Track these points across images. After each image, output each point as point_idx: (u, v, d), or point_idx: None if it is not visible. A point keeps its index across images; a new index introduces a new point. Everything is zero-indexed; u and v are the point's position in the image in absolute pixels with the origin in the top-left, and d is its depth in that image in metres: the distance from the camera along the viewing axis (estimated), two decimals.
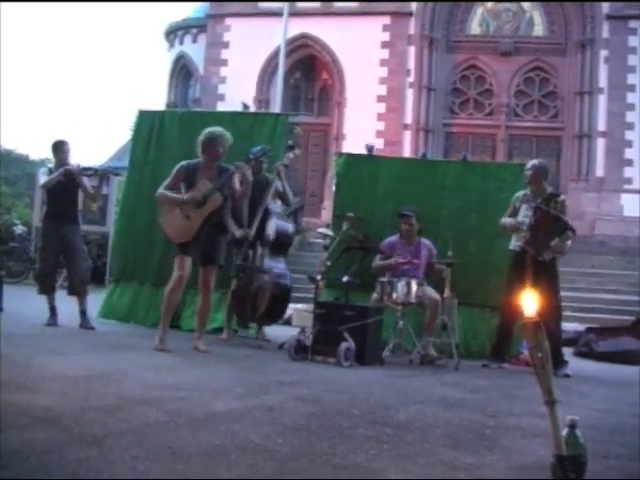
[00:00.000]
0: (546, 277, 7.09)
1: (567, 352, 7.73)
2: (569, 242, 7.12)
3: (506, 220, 7.51)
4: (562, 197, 7.52)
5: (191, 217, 6.77)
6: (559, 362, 6.98)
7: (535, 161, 7.74)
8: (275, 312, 7.79)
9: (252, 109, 10.30)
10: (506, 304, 7.13)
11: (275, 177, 7.94)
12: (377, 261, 7.92)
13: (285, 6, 19.70)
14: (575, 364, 7.75)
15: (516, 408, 5.00)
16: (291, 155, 8.19)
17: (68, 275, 8.55)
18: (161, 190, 6.89)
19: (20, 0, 52.04)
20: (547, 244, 7.06)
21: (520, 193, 7.59)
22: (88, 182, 8.32)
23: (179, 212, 6.78)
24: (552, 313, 6.73)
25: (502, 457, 3.47)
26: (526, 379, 6.23)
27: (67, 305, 8.13)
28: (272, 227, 7.72)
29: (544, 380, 2.65)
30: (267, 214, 7.75)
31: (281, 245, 7.92)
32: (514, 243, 7.44)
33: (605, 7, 21.39)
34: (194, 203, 6.72)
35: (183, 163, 6.95)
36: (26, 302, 9.54)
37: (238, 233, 7.77)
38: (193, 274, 6.97)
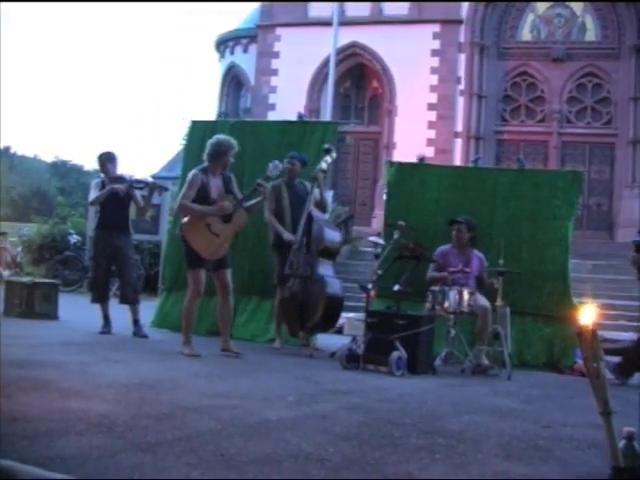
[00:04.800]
0: None
1: None
2: None
3: None
4: None
5: (220, 235, 6.90)
6: None
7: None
8: (328, 321, 7.74)
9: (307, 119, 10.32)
10: None
11: (313, 184, 7.83)
12: (431, 271, 7.87)
13: (335, 15, 19.73)
14: None
15: (570, 418, 4.94)
16: (328, 159, 7.92)
17: (120, 284, 8.68)
18: (184, 202, 6.95)
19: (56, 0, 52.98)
20: None
21: None
22: (139, 194, 8.47)
23: (205, 227, 6.86)
24: None
25: (556, 468, 3.43)
26: (581, 389, 6.15)
27: (121, 313, 8.26)
28: (319, 233, 7.62)
29: (599, 390, 2.62)
30: (311, 220, 7.68)
31: (329, 253, 7.81)
32: None
33: None
34: (221, 215, 6.82)
35: (196, 171, 7.04)
36: (81, 310, 9.70)
37: (286, 236, 7.79)
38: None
